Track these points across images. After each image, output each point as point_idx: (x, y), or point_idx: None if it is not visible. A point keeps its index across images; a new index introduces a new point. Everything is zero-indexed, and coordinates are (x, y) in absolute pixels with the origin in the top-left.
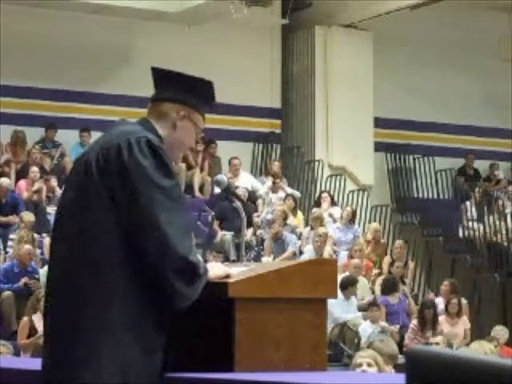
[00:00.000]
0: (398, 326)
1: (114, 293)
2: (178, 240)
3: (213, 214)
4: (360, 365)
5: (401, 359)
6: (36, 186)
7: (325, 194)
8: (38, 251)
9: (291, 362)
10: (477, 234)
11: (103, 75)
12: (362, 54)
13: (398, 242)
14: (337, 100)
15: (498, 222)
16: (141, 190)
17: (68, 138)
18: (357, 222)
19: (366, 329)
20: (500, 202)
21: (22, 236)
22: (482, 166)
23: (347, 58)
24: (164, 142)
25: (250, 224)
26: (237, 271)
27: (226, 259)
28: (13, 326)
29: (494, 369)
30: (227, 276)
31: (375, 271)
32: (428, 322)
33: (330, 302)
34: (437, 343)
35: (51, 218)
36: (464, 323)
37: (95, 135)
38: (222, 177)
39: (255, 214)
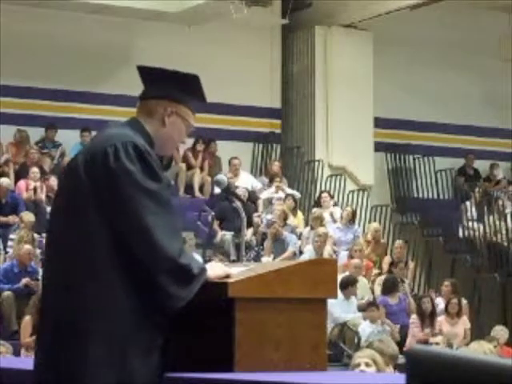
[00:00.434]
0: (398, 326)
1: (108, 292)
2: (167, 243)
3: (213, 213)
4: (358, 365)
5: (401, 359)
6: (32, 185)
7: (325, 194)
8: (38, 251)
9: (291, 361)
10: (477, 233)
11: (103, 75)
12: (361, 54)
13: (398, 242)
14: (337, 100)
15: (498, 222)
16: (128, 195)
17: (68, 138)
18: (357, 222)
19: (365, 329)
20: (500, 202)
21: (22, 236)
22: (482, 166)
23: (347, 58)
24: (155, 139)
25: (249, 224)
26: (237, 271)
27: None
28: (13, 326)
29: (494, 369)
30: (227, 276)
31: (375, 271)
32: (426, 317)
33: (330, 301)
34: (437, 343)
35: None
36: (464, 323)
37: None
38: (222, 177)
39: (255, 214)
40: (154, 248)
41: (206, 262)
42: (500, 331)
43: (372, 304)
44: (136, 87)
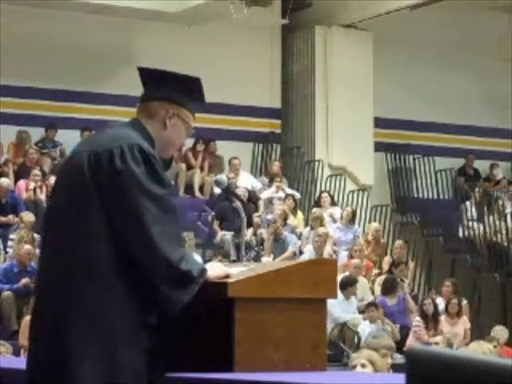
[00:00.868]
0: (398, 326)
1: (107, 293)
2: (169, 249)
3: (213, 214)
4: (354, 366)
5: (401, 359)
6: (32, 185)
7: (325, 194)
8: (38, 251)
9: (291, 361)
10: (477, 233)
11: (103, 75)
12: (361, 54)
13: (398, 242)
14: (337, 100)
15: (498, 222)
16: (132, 198)
17: (68, 138)
18: (357, 222)
19: (365, 329)
20: (500, 202)
21: (21, 236)
22: (482, 166)
23: (347, 58)
24: (155, 141)
25: (249, 224)
26: (237, 271)
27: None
28: (13, 326)
29: (494, 369)
30: (227, 276)
31: (375, 271)
32: (430, 319)
33: (330, 301)
34: (437, 343)
35: None
36: (464, 323)
37: None
38: (222, 177)
39: (255, 214)
40: (156, 254)
41: (205, 261)
42: (500, 331)
43: (371, 304)
44: (136, 87)
